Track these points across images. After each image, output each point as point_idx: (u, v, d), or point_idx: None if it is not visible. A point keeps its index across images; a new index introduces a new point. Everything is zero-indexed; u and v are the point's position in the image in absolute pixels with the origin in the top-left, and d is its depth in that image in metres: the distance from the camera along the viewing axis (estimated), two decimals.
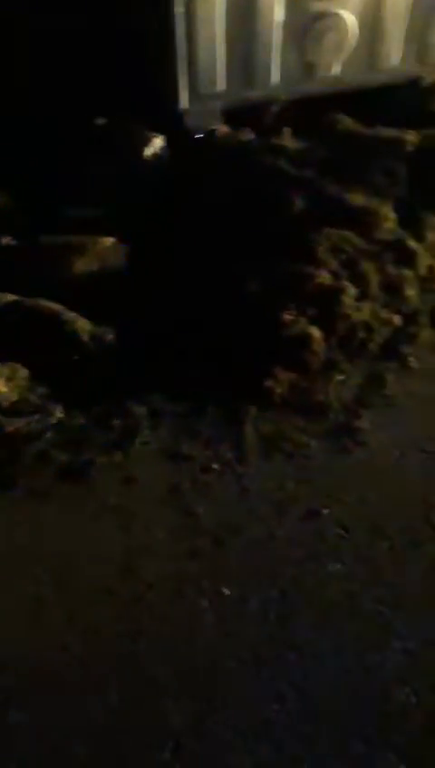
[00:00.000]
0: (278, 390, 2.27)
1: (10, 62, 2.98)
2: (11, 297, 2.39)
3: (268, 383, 2.27)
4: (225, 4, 2.67)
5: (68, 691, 1.66)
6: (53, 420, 2.16)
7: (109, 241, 2.59)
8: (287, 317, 2.35)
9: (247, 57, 2.86)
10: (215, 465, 2.12)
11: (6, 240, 2.62)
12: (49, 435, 2.14)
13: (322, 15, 2.94)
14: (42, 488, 2.04)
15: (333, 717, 1.61)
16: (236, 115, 3.02)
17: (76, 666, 1.70)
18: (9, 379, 2.21)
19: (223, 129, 3.00)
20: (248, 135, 2.98)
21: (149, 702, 1.64)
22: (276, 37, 2.87)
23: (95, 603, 1.81)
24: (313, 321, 2.37)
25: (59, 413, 2.18)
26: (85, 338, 2.32)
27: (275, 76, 2.98)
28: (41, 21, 3.03)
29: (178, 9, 2.61)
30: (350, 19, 2.95)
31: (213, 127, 2.99)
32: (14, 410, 2.17)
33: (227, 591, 1.84)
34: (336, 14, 2.95)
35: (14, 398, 2.19)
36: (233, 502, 2.04)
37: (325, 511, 2.01)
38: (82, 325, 2.34)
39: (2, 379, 2.20)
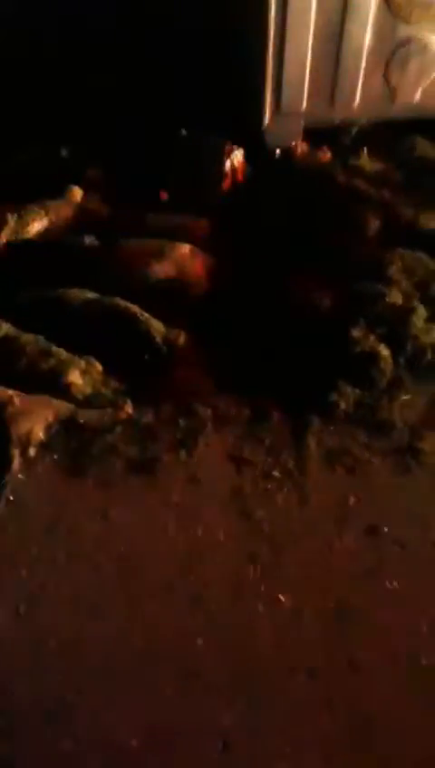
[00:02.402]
0: (343, 405, 2.29)
1: (102, 69, 3.12)
2: (91, 295, 2.48)
3: (333, 397, 2.29)
4: (314, 27, 2.73)
5: (123, 681, 1.70)
6: (123, 415, 2.23)
7: (187, 248, 2.67)
8: (357, 333, 2.37)
9: (332, 79, 2.91)
10: (276, 473, 2.15)
11: (90, 240, 2.72)
12: (118, 429, 2.20)
13: (408, 41, 2.98)
14: (109, 480, 2.10)
15: (386, 735, 1.60)
16: (316, 134, 3.08)
17: (133, 657, 1.74)
18: (85, 372, 2.29)
19: (302, 147, 3.06)
20: (327, 154, 3.03)
21: (200, 700, 1.67)
22: (362, 61, 2.92)
23: (155, 598, 1.85)
24: (382, 340, 2.39)
25: (129, 409, 2.25)
26: (158, 339, 2.39)
27: (358, 99, 3.02)
28: (127, 34, 3.18)
29: (271, 29, 2.69)
30: None
31: (293, 145, 3.05)
32: (87, 402, 2.25)
33: (283, 598, 1.86)
34: (422, 40, 2.99)
35: (88, 390, 2.27)
36: (293, 510, 2.06)
37: (385, 528, 2.01)
38: (156, 326, 2.42)
39: (78, 372, 2.29)
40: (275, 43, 2.71)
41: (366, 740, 1.60)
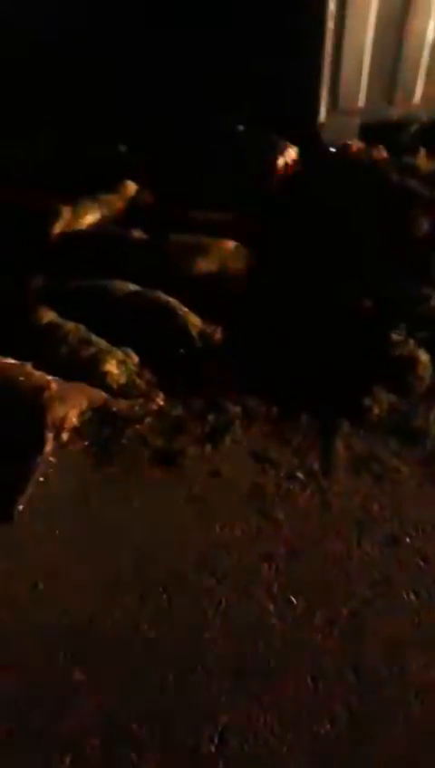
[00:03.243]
0: (376, 410, 2.24)
1: (156, 65, 3.17)
2: (133, 287, 2.54)
3: (367, 401, 2.25)
4: (375, 21, 2.67)
5: (130, 665, 1.73)
6: (154, 407, 2.27)
7: (231, 244, 2.68)
8: (396, 337, 2.31)
9: (392, 75, 2.84)
10: (300, 474, 2.13)
11: (138, 233, 2.78)
12: (149, 420, 2.25)
13: None
14: (135, 469, 2.15)
15: (386, 747, 1.57)
16: (373, 132, 3.01)
17: (141, 643, 1.77)
18: (121, 362, 2.35)
19: (357, 144, 3.00)
20: (382, 153, 2.96)
21: (202, 692, 1.68)
22: (424, 57, 2.83)
23: (168, 587, 1.88)
24: (421, 344, 2.32)
25: (160, 400, 2.29)
26: (194, 333, 2.42)
27: (418, 96, 2.93)
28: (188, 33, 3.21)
29: (329, 24, 2.65)
30: None
31: (348, 142, 3.00)
32: (121, 392, 2.30)
33: (295, 600, 1.85)
34: None
35: (123, 380, 2.33)
36: (314, 513, 2.04)
37: (407, 539, 1.96)
38: (194, 321, 2.44)
39: (115, 362, 2.35)
40: (332, 38, 2.67)
41: (365, 754, 1.57)
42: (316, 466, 2.14)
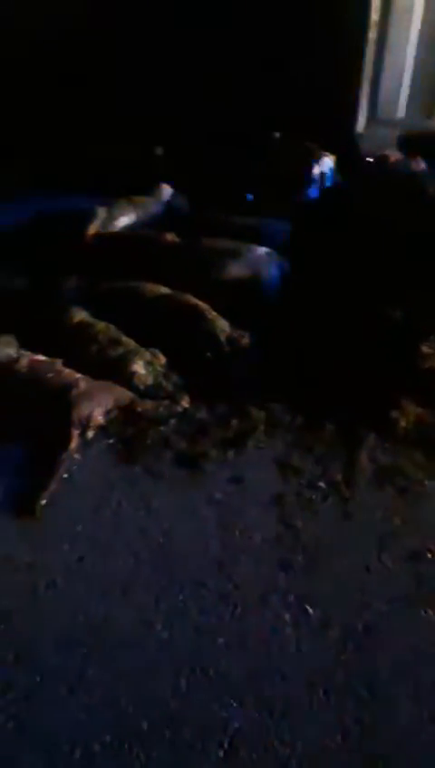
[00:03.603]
0: (403, 423, 2.22)
1: (193, 70, 3.20)
2: (164, 290, 2.56)
3: (394, 413, 2.22)
4: (418, 35, 2.65)
5: (143, 665, 1.74)
6: (179, 409, 2.28)
7: (263, 250, 2.69)
8: (426, 350, 2.28)
9: (432, 87, 2.81)
10: (322, 484, 2.11)
11: (171, 236, 2.81)
12: (173, 422, 2.26)
13: None
14: (157, 470, 2.16)
15: (398, 766, 1.54)
16: (411, 143, 2.99)
17: (154, 644, 1.77)
18: (148, 363, 2.37)
19: (395, 155, 2.98)
20: (420, 164, 2.93)
21: (214, 697, 1.67)
22: None
23: (184, 591, 1.88)
24: None
25: (185, 403, 2.30)
26: (222, 338, 2.43)
27: None
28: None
29: (371, 35, 2.64)
30: None
31: (386, 152, 2.98)
32: (147, 392, 2.32)
33: (311, 611, 1.83)
34: None
35: (150, 381, 2.35)
36: (334, 524, 2.02)
37: (429, 555, 1.92)
38: (222, 325, 2.45)
39: (142, 362, 2.37)
40: (374, 48, 2.66)
41: None
42: (339, 477, 2.12)
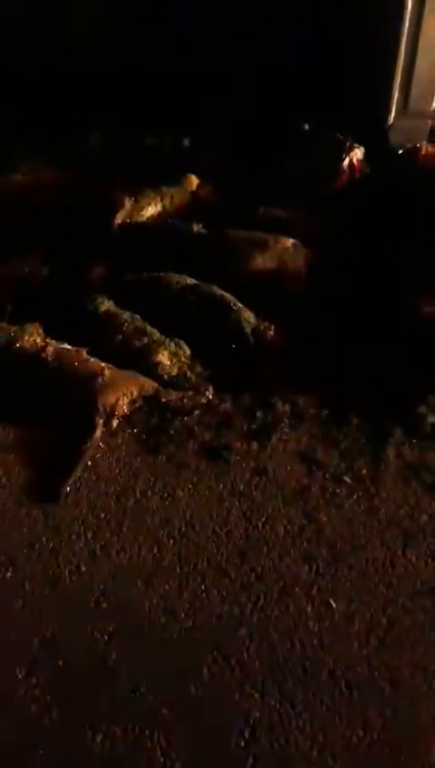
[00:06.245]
0: (431, 419, 2.19)
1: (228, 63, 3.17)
2: (190, 281, 2.56)
3: (422, 409, 2.20)
4: None
5: (166, 653, 1.75)
6: (204, 400, 2.28)
7: (290, 242, 2.66)
8: None
9: None
10: (347, 478, 2.10)
11: (198, 227, 2.80)
12: (197, 412, 2.26)
13: None
14: (181, 460, 2.17)
15: (420, 761, 1.53)
16: None
17: (177, 632, 1.78)
18: (173, 354, 2.37)
19: (427, 147, 2.94)
20: None
21: (235, 687, 1.68)
22: None
23: (205, 581, 1.88)
24: None
25: (210, 394, 2.29)
26: (248, 329, 2.42)
27: None
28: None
29: (406, 25, 2.59)
30: None
31: (417, 145, 2.94)
32: (171, 383, 2.32)
33: (334, 605, 1.82)
34: None
35: (174, 372, 2.35)
36: (358, 518, 2.01)
37: None
38: (248, 317, 2.44)
39: (167, 353, 2.37)
40: (409, 35, 2.60)
41: (397, 765, 1.54)
42: (364, 472, 2.10)
